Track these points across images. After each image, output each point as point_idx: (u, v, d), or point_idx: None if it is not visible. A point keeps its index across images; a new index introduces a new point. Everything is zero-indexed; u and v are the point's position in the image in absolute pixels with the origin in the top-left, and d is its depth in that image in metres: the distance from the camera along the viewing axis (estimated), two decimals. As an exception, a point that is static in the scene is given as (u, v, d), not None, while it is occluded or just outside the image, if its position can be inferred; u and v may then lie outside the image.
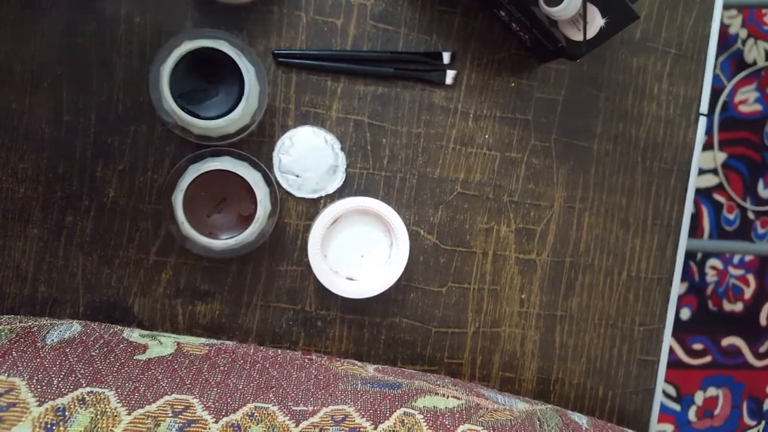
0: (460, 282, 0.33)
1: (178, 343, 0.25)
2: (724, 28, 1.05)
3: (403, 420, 0.24)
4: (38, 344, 0.23)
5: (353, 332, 0.32)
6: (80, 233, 0.29)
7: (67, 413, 0.20)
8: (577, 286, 0.34)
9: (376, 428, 0.23)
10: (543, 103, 0.33)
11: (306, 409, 0.23)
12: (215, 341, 0.27)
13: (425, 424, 0.24)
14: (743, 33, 1.05)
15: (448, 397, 0.26)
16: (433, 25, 0.32)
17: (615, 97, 0.34)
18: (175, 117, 0.25)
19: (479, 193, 0.33)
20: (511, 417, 0.26)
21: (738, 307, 1.06)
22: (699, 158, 0.36)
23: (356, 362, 0.29)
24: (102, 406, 0.21)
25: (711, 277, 1.05)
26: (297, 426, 0.22)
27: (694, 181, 0.36)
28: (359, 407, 0.24)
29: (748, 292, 1.07)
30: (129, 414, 0.21)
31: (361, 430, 0.23)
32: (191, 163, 0.27)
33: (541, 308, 0.34)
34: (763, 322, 1.08)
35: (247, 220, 0.26)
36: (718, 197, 1.05)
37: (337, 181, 0.31)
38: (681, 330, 1.04)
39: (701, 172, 1.05)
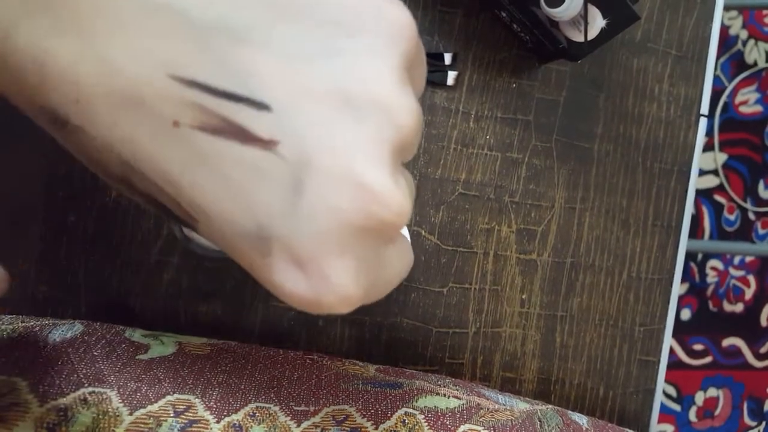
0: (461, 282, 0.33)
1: (180, 343, 0.25)
2: (724, 29, 1.05)
3: (404, 420, 0.24)
4: (40, 344, 0.23)
5: (354, 332, 0.32)
6: (82, 233, 0.29)
7: (69, 413, 0.20)
8: (578, 286, 0.34)
9: (377, 428, 0.23)
10: (544, 103, 0.33)
11: (307, 409, 0.23)
12: (217, 341, 0.27)
13: (426, 424, 0.24)
14: (744, 34, 1.05)
15: (449, 397, 0.26)
16: (434, 26, 0.32)
17: (616, 98, 0.34)
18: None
19: (480, 194, 0.33)
20: (511, 417, 0.26)
21: (738, 307, 1.06)
22: (699, 159, 0.36)
23: (357, 362, 0.29)
24: (104, 406, 0.21)
25: (711, 277, 1.05)
26: (298, 426, 0.22)
27: (695, 182, 0.36)
28: (360, 407, 0.24)
29: (749, 293, 1.07)
30: (131, 414, 0.21)
31: (363, 430, 0.23)
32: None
33: (541, 308, 0.34)
34: (763, 322, 1.08)
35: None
36: (718, 198, 1.05)
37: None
38: (681, 330, 1.04)
39: (702, 173, 1.06)
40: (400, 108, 0.13)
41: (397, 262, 0.16)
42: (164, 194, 0.14)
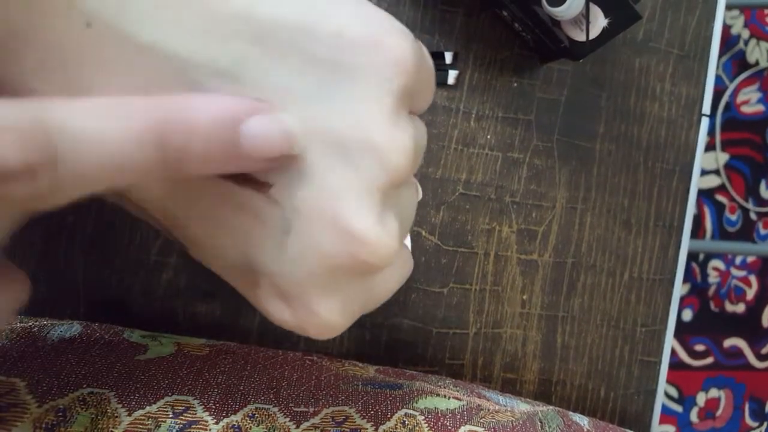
0: (462, 283, 0.33)
1: (179, 344, 0.25)
2: (726, 28, 1.05)
3: (404, 421, 0.24)
4: (39, 344, 0.23)
5: (354, 333, 0.32)
6: (81, 233, 0.29)
7: (67, 414, 0.20)
8: (579, 286, 0.34)
9: (377, 429, 0.23)
10: (545, 103, 0.33)
11: (307, 410, 0.23)
12: (216, 342, 0.27)
13: (426, 425, 0.24)
14: (745, 33, 1.05)
15: (449, 398, 0.26)
16: (435, 25, 0.32)
17: (617, 97, 0.34)
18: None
19: (481, 194, 0.33)
20: (512, 418, 0.26)
21: (740, 308, 1.06)
22: (701, 159, 0.36)
23: (357, 363, 0.29)
24: (102, 406, 0.21)
25: (713, 278, 1.05)
26: (298, 427, 0.22)
27: (697, 182, 0.36)
28: (360, 408, 0.24)
29: (750, 293, 1.06)
30: (129, 415, 0.21)
31: (362, 431, 0.23)
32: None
33: (542, 309, 0.34)
34: (765, 323, 1.08)
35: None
36: (720, 198, 1.05)
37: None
38: (683, 331, 1.04)
39: (703, 172, 1.05)
40: (392, 150, 0.13)
41: (391, 280, 0.16)
42: (156, 221, 0.14)
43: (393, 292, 0.17)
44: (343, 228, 0.13)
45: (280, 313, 0.14)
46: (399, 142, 0.13)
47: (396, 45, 0.13)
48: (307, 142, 0.13)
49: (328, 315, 0.14)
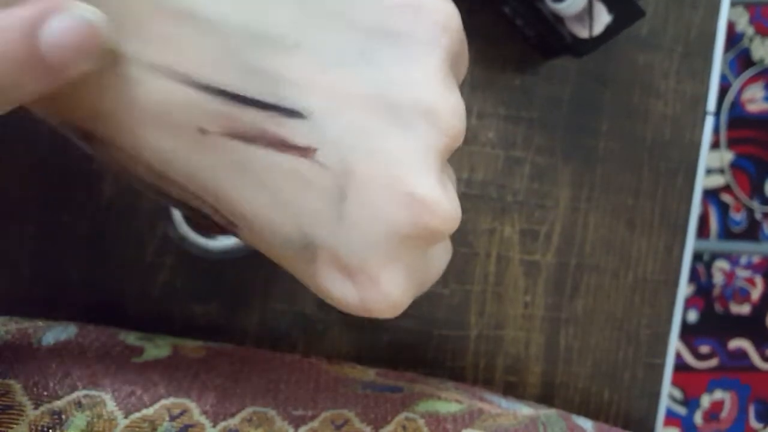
0: (463, 284, 0.32)
1: (175, 346, 0.25)
2: (730, 25, 1.04)
3: (405, 425, 0.23)
4: (34, 346, 0.23)
5: (354, 335, 0.31)
6: (76, 233, 0.29)
7: (63, 416, 0.20)
8: (582, 287, 0.34)
9: (376, 433, 0.23)
10: (548, 100, 0.33)
11: (305, 413, 0.23)
12: (213, 344, 0.27)
13: (427, 428, 0.23)
14: (750, 31, 1.04)
15: (450, 401, 0.25)
16: (435, 23, 0.31)
17: (621, 94, 0.34)
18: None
19: (482, 193, 0.32)
20: (514, 421, 0.25)
21: (745, 309, 1.05)
22: (706, 157, 0.35)
23: (357, 365, 0.28)
24: (98, 409, 0.20)
25: (718, 278, 1.04)
26: (296, 431, 0.22)
27: (701, 181, 0.35)
28: (359, 411, 0.24)
29: (755, 294, 1.05)
30: (126, 418, 0.20)
31: (362, 435, 0.22)
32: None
33: (545, 310, 0.33)
34: (770, 324, 1.07)
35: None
36: (725, 198, 1.04)
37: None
38: (688, 332, 1.03)
39: (708, 171, 1.05)
40: (446, 111, 0.13)
41: (443, 258, 0.16)
42: (201, 201, 0.13)
43: (441, 272, 0.16)
44: (405, 191, 0.12)
45: (340, 289, 0.13)
46: (452, 102, 0.13)
47: (440, 6, 0.13)
48: (352, 106, 0.12)
49: (390, 287, 0.13)
